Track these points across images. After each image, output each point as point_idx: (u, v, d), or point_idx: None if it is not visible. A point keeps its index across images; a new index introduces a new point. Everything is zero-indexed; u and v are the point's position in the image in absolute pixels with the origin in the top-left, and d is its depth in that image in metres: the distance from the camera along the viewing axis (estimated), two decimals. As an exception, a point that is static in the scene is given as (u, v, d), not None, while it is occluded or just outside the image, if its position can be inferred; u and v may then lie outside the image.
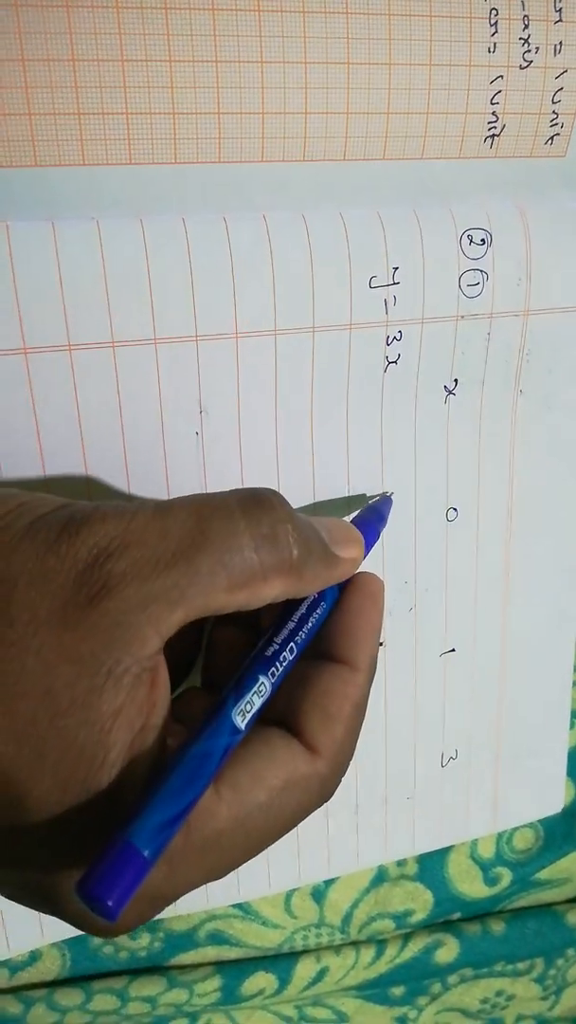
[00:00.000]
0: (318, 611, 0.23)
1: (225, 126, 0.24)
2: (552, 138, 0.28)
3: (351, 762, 0.32)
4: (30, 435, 0.25)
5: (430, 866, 0.38)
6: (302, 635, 0.22)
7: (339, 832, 0.34)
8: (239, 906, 0.35)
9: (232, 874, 0.32)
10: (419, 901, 0.38)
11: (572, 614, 0.35)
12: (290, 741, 0.21)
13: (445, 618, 0.32)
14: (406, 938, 0.38)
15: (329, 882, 0.36)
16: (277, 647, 0.22)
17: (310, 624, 0.22)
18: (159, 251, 0.24)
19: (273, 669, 0.21)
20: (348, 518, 0.28)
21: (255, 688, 0.21)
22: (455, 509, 0.31)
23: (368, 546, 0.25)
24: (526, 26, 0.25)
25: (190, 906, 0.33)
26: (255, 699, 0.20)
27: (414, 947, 0.38)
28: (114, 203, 0.24)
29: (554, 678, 0.36)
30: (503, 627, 0.34)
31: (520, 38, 0.26)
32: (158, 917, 0.33)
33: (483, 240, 0.28)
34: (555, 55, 0.26)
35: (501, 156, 0.27)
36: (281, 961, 0.36)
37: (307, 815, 0.22)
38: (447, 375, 0.29)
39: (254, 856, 0.21)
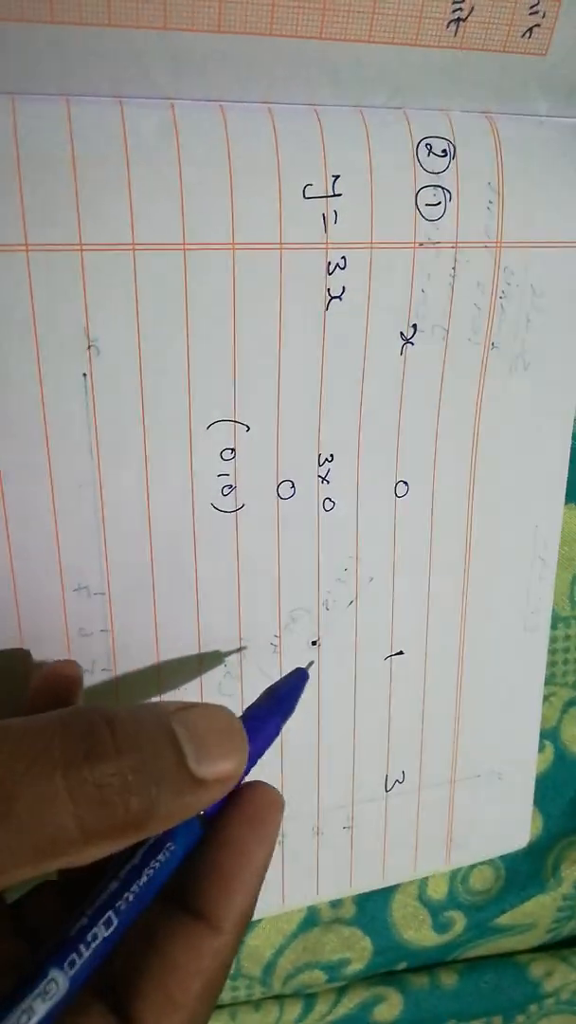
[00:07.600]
0: (157, 860, 0.18)
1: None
2: (531, 29, 0.24)
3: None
4: None
5: (370, 908, 0.36)
6: (131, 896, 0.18)
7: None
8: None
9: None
10: (356, 949, 0.36)
11: (544, 613, 0.33)
12: None
13: (392, 614, 0.31)
14: (340, 992, 0.37)
15: (249, 925, 0.33)
16: (85, 922, 0.17)
17: (144, 879, 0.18)
18: (29, 136, 0.21)
19: (72, 958, 0.17)
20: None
21: (40, 989, 0.16)
22: (405, 483, 0.29)
23: (263, 744, 0.21)
24: None
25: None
26: (37, 1005, 0.16)
27: (349, 1003, 0.37)
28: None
29: (521, 689, 0.34)
30: (461, 626, 0.32)
31: None
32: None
33: (445, 151, 0.25)
34: None
35: (467, 47, 0.24)
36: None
37: None
38: (403, 319, 0.27)
39: None
